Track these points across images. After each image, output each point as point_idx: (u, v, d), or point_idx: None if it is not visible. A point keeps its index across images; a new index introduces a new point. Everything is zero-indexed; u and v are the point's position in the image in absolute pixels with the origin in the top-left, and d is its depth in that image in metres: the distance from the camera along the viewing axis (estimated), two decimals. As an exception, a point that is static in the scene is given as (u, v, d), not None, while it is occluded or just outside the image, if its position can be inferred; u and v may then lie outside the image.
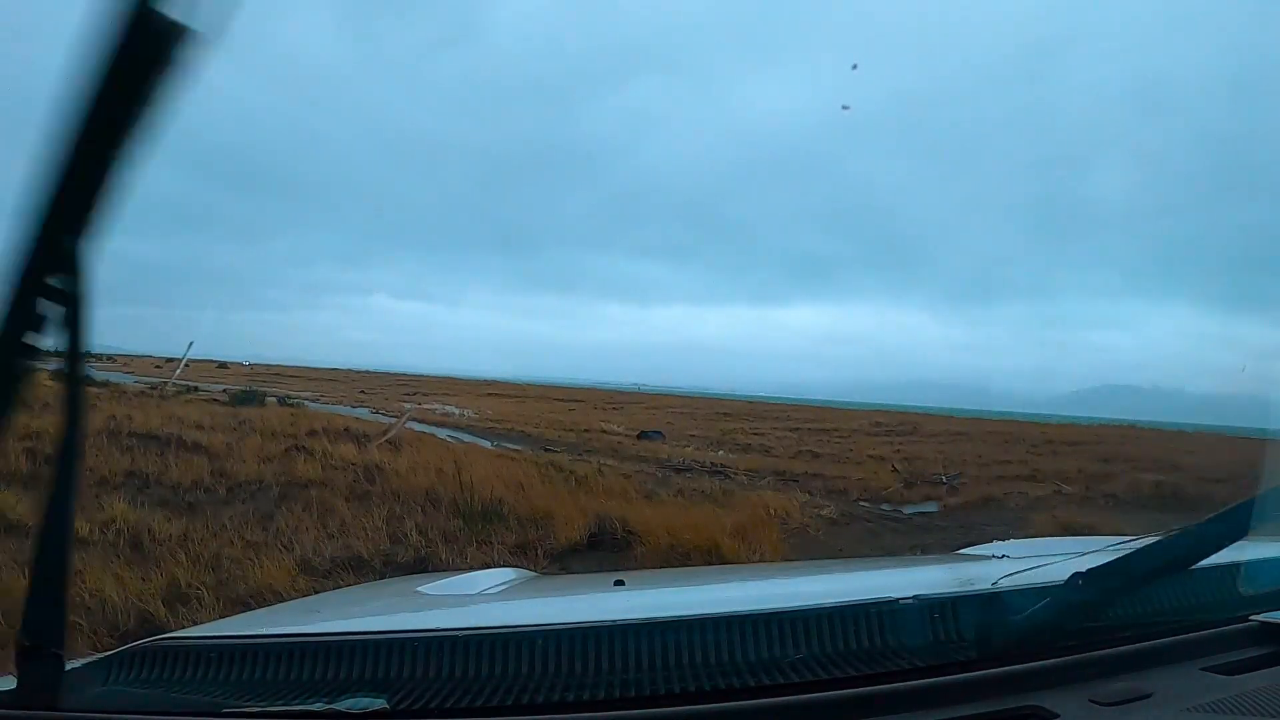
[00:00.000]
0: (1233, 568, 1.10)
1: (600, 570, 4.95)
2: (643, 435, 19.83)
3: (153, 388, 24.97)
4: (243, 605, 4.01)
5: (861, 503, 10.24)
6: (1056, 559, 1.59)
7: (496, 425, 21.69)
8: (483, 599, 1.33)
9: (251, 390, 24.41)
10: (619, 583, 1.36)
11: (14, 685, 0.84)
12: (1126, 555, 0.95)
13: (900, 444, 20.31)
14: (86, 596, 4.03)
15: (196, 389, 26.89)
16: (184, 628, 2.14)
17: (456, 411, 27.28)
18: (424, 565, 5.19)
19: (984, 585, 1.01)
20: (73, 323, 0.68)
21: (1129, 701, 0.82)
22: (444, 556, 5.46)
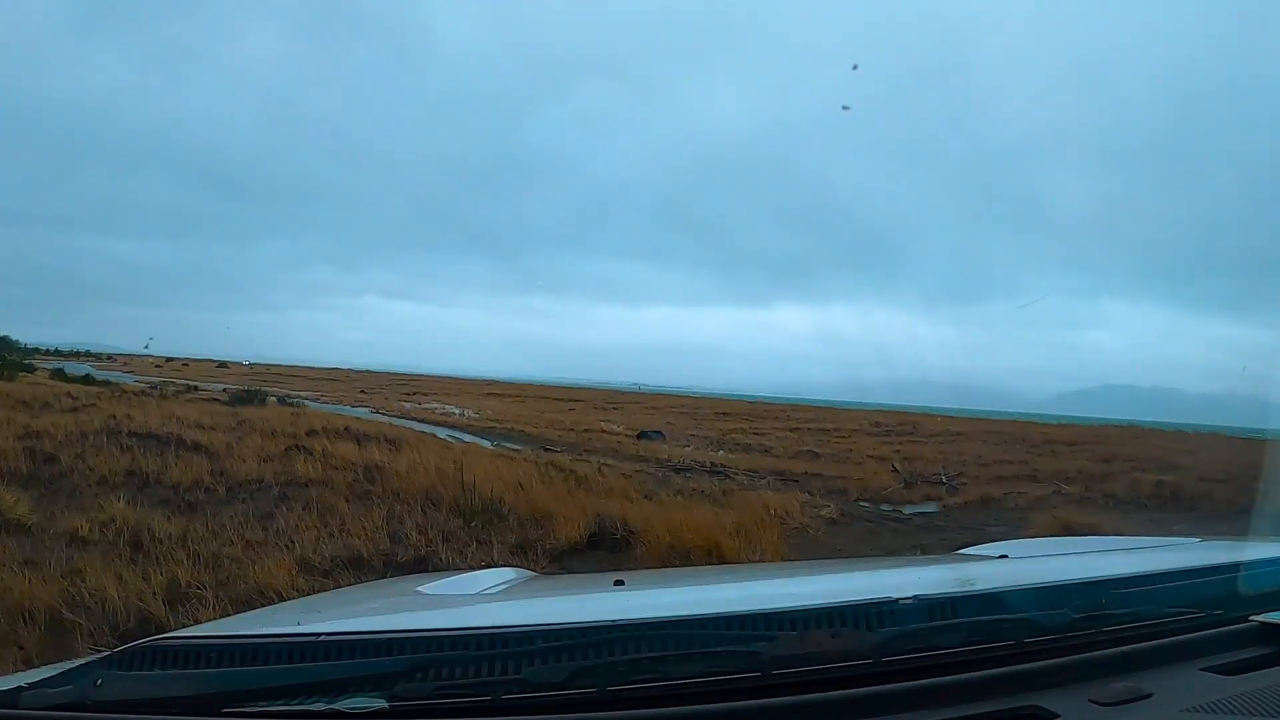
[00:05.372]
0: (1233, 568, 1.11)
1: (600, 570, 4.94)
2: (642, 435, 19.83)
3: (153, 387, 24.99)
4: (243, 604, 4.00)
5: (861, 503, 10.24)
6: (1056, 559, 1.59)
7: (496, 425, 21.71)
8: (483, 599, 1.33)
9: (251, 390, 24.43)
10: (619, 583, 1.36)
11: (13, 685, 0.84)
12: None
13: (900, 444, 20.30)
14: (87, 596, 4.03)
15: (196, 388, 26.91)
16: (184, 627, 2.14)
17: (456, 411, 27.30)
18: (424, 565, 5.18)
19: (984, 585, 1.01)
20: None
21: (1129, 701, 0.82)
22: (444, 556, 5.45)
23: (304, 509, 6.47)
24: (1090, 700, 0.83)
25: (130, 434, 9.62)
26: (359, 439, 10.82)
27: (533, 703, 0.79)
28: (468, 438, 16.21)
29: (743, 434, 22.96)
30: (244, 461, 8.48)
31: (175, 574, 4.49)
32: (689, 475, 11.47)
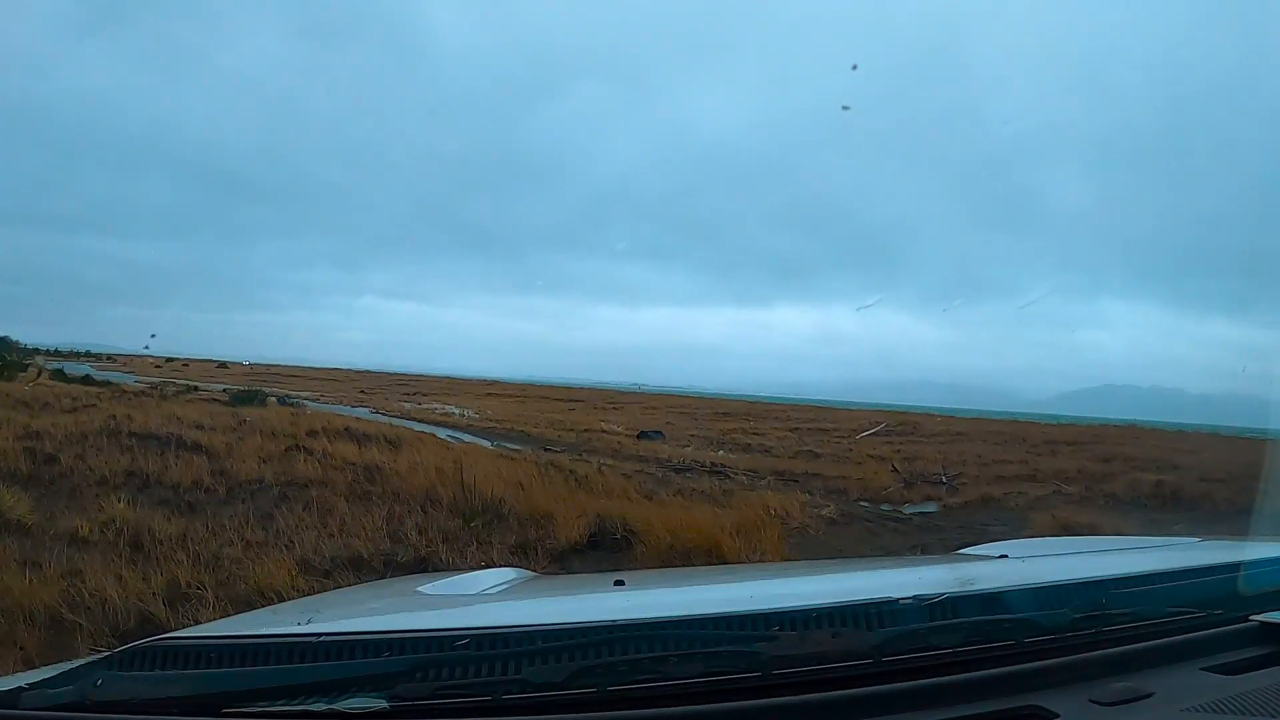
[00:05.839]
0: (1233, 567, 1.11)
1: (600, 570, 4.95)
2: (642, 435, 19.83)
3: (153, 387, 25.00)
4: (243, 605, 4.01)
5: (861, 502, 10.24)
6: (1056, 559, 1.59)
7: (496, 425, 21.70)
8: (483, 599, 1.34)
9: (251, 390, 24.45)
10: (619, 583, 1.36)
11: (13, 685, 0.84)
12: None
13: (900, 444, 20.31)
14: (87, 596, 4.04)
15: (196, 388, 26.92)
16: (184, 627, 2.14)
17: (456, 411, 27.30)
18: (424, 565, 5.19)
19: (984, 585, 1.01)
20: None
21: (1129, 701, 0.82)
22: (444, 556, 5.45)
23: (304, 509, 6.48)
24: (1090, 700, 0.83)
25: (130, 434, 9.62)
26: (359, 439, 10.82)
27: (533, 703, 0.80)
28: (467, 438, 16.21)
29: (742, 434, 22.95)
30: (244, 462, 8.47)
31: (175, 574, 4.49)
32: (689, 475, 11.47)
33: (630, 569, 5.13)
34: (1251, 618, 1.02)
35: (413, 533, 5.96)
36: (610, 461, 12.40)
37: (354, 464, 8.73)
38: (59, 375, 26.31)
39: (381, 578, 4.46)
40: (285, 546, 5.30)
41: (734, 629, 0.85)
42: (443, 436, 14.80)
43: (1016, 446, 19.50)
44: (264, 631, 1.06)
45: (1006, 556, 1.53)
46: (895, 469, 13.39)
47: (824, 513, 8.43)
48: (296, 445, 9.79)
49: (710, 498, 8.71)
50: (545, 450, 13.86)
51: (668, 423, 25.74)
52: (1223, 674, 0.90)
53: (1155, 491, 11.10)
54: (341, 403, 28.43)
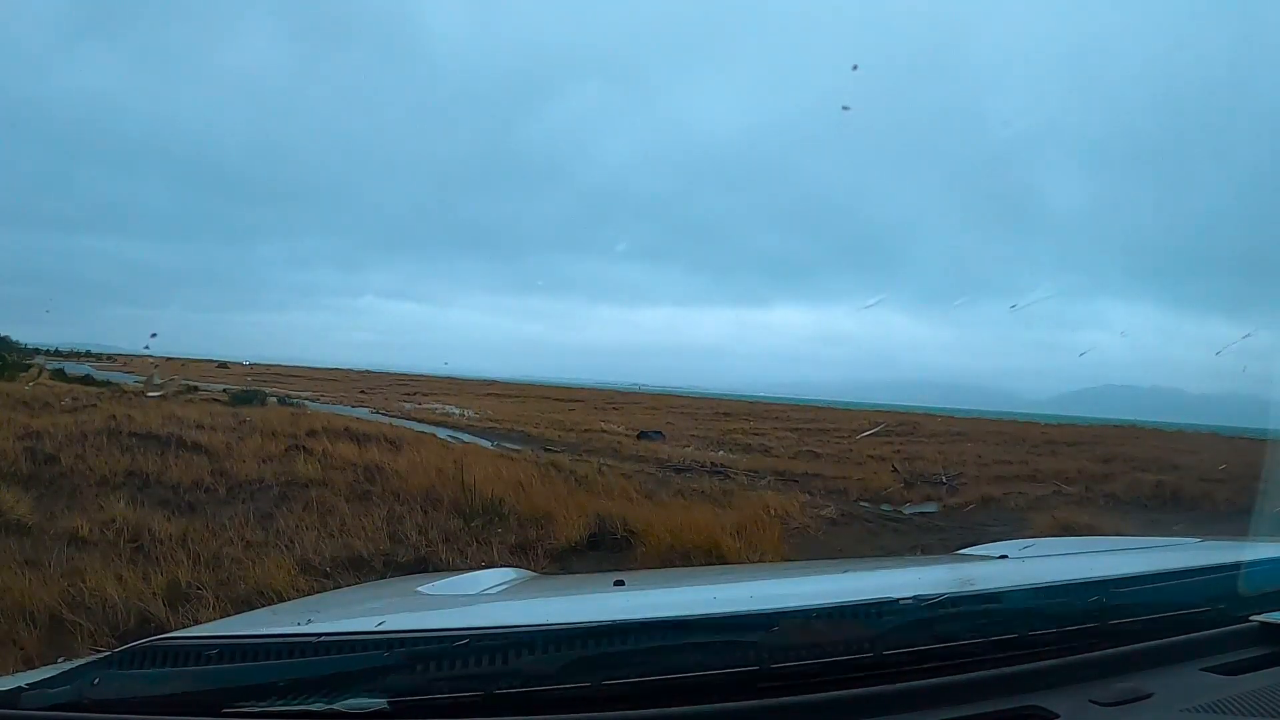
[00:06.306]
0: (1233, 567, 1.11)
1: (600, 570, 4.94)
2: (643, 435, 19.82)
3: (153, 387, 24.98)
4: (243, 605, 4.01)
5: (861, 503, 10.23)
6: (1056, 559, 1.59)
7: (496, 425, 21.70)
8: (483, 599, 1.34)
9: (252, 390, 24.45)
10: (619, 583, 1.37)
11: (13, 685, 0.84)
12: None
13: (900, 444, 20.30)
14: (87, 596, 4.04)
15: (196, 388, 26.92)
16: (184, 627, 2.15)
17: (456, 411, 27.29)
18: (424, 565, 5.19)
19: (984, 585, 1.01)
20: None
21: (1129, 702, 0.82)
22: (444, 556, 5.46)
23: (304, 509, 6.48)
24: (1090, 700, 0.83)
25: (130, 434, 9.62)
26: (359, 439, 10.82)
27: (534, 703, 0.80)
28: (467, 438, 16.21)
29: (743, 434, 22.95)
30: (244, 462, 8.48)
31: (175, 574, 4.49)
32: (689, 475, 11.46)
33: (630, 569, 5.13)
34: (1252, 618, 1.02)
35: (413, 533, 5.96)
36: (610, 462, 12.40)
37: (354, 464, 8.73)
38: (59, 375, 26.29)
39: (381, 578, 4.46)
40: (285, 546, 5.30)
41: (734, 629, 0.85)
42: (443, 436, 14.80)
43: (1016, 447, 19.51)
44: (263, 631, 1.06)
45: (1006, 556, 1.53)
46: (895, 469, 13.39)
47: (824, 513, 8.43)
48: (297, 445, 9.80)
49: (710, 498, 8.71)
50: (545, 450, 13.85)
51: (668, 423, 25.74)
52: (1223, 674, 0.90)
53: (1155, 492, 11.10)
54: (341, 403, 28.41)
